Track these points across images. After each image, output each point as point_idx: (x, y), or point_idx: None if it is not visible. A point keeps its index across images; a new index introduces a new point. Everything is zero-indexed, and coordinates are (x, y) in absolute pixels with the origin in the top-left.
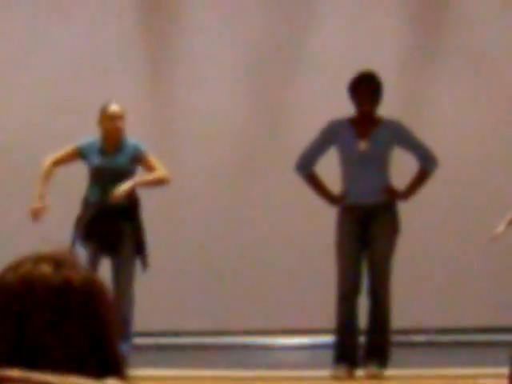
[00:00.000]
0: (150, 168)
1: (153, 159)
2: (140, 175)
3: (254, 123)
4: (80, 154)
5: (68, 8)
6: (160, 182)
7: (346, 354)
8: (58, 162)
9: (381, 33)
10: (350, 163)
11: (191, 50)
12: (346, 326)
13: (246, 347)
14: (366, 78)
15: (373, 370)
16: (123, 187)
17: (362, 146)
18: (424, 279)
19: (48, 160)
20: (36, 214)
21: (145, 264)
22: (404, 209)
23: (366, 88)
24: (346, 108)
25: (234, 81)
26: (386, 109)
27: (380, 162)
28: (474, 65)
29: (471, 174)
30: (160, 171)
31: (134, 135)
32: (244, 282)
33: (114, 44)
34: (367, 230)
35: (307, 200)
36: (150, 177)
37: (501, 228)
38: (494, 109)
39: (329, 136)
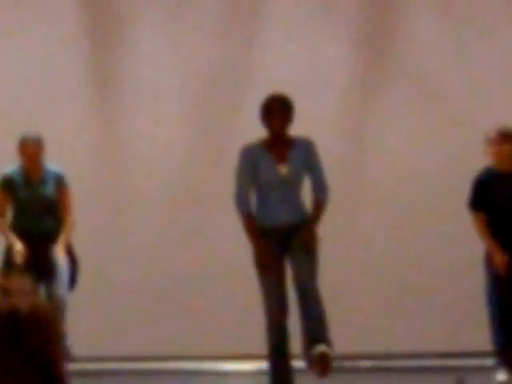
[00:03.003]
0: (62, 203)
1: (68, 196)
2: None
3: (200, 150)
4: (9, 188)
5: (14, 29)
6: (72, 230)
7: (280, 379)
8: (3, 209)
9: (328, 60)
10: (268, 188)
11: (139, 75)
12: (277, 352)
13: (194, 373)
14: (276, 100)
15: (321, 348)
16: (58, 251)
17: (283, 170)
18: (371, 304)
19: None
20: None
21: (74, 283)
22: (353, 238)
23: (276, 109)
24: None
25: (181, 107)
26: (332, 136)
27: (297, 184)
28: (422, 94)
29: (417, 194)
30: (69, 220)
31: (80, 160)
32: (193, 307)
33: (61, 68)
34: (287, 249)
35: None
36: (67, 232)
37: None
38: (440, 138)
39: (251, 161)
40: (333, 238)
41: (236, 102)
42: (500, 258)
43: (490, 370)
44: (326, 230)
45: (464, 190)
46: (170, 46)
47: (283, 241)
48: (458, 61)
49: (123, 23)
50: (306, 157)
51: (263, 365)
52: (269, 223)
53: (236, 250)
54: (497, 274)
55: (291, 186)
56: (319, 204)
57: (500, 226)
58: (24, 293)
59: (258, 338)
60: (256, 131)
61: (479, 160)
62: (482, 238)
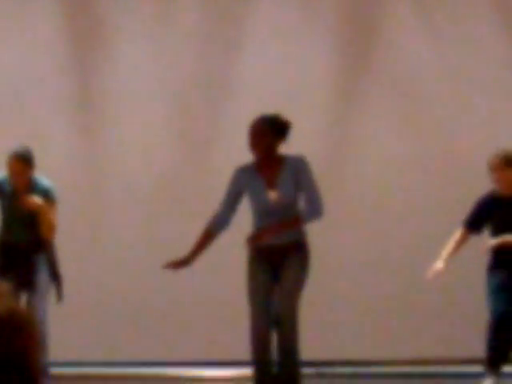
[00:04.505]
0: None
1: (52, 211)
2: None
3: (182, 158)
4: None
5: None
6: (50, 229)
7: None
8: None
9: (310, 68)
10: (260, 210)
11: (119, 84)
12: (261, 362)
13: (172, 379)
14: (250, 125)
15: None
16: (35, 200)
17: (272, 196)
18: (348, 310)
19: None
20: None
21: (60, 295)
22: (331, 242)
23: (248, 134)
24: None
25: (162, 115)
26: (314, 143)
27: (290, 207)
28: (407, 102)
29: (395, 202)
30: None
31: (60, 169)
32: (170, 313)
33: (41, 78)
34: (278, 269)
35: (232, 236)
36: (50, 218)
37: (440, 264)
38: (420, 141)
39: (238, 186)
40: (316, 247)
41: (219, 110)
42: (437, 266)
43: (469, 377)
44: (310, 241)
45: (450, 199)
46: (152, 55)
47: (274, 262)
48: (442, 68)
49: (104, 31)
50: (296, 177)
51: (245, 371)
52: (262, 244)
53: (217, 259)
54: (498, 285)
55: (283, 211)
56: (302, 220)
57: (500, 248)
58: (1, 297)
59: (239, 344)
60: (239, 140)
61: (465, 169)
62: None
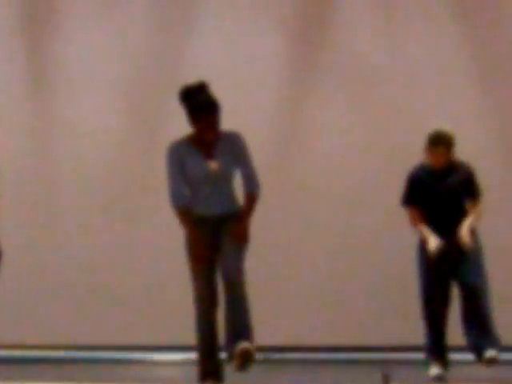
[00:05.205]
0: None
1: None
2: None
3: (131, 139)
4: None
5: None
6: None
7: (209, 369)
8: None
9: (260, 53)
10: (198, 183)
11: (71, 63)
12: (206, 342)
13: (122, 362)
14: (207, 101)
15: (244, 344)
16: None
17: (213, 166)
18: (298, 297)
19: None
20: None
21: None
22: (281, 231)
23: (212, 115)
24: (225, 125)
25: (114, 97)
26: (264, 130)
27: (228, 178)
28: (357, 86)
29: (346, 188)
30: None
31: (12, 149)
32: (122, 298)
33: None
34: (217, 240)
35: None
36: None
37: (436, 240)
38: (373, 127)
39: (179, 159)
40: (262, 231)
41: (171, 93)
42: (434, 242)
43: (416, 364)
44: (257, 226)
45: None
46: (105, 37)
47: (214, 230)
48: (395, 54)
49: (57, 13)
50: (233, 151)
51: (192, 355)
52: (200, 213)
53: (166, 243)
54: (429, 265)
55: (222, 181)
56: (251, 199)
57: (435, 219)
58: None
59: (187, 329)
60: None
61: (416, 154)
62: (416, 227)
